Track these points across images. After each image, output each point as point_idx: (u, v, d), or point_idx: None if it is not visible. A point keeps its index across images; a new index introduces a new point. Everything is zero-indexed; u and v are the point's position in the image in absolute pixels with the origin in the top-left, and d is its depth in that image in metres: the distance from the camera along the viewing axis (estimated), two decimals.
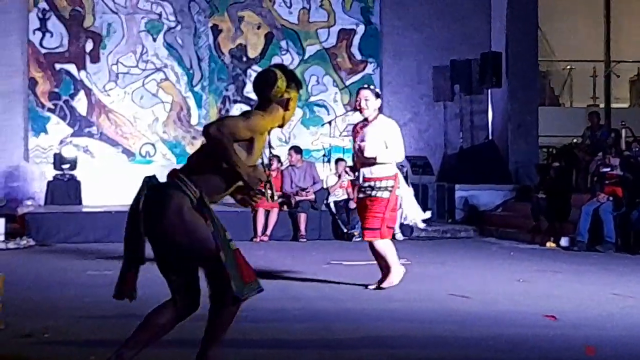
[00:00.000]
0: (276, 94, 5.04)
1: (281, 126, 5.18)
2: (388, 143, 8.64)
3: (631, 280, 9.69)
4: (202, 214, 4.77)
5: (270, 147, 5.31)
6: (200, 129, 18.23)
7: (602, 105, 22.05)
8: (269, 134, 5.11)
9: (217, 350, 4.94)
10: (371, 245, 8.76)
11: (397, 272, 8.81)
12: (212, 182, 4.88)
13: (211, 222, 4.76)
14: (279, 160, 15.84)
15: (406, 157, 17.77)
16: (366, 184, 8.69)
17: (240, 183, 4.91)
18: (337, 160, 16.03)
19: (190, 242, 4.75)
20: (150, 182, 4.96)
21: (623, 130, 16.15)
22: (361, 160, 8.75)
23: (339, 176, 15.59)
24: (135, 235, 4.95)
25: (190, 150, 18.23)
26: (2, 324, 6.59)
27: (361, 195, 8.81)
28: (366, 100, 8.82)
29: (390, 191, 8.62)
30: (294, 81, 5.16)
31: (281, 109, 5.08)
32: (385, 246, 8.76)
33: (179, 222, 4.75)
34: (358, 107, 8.89)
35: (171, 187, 4.88)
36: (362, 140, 8.73)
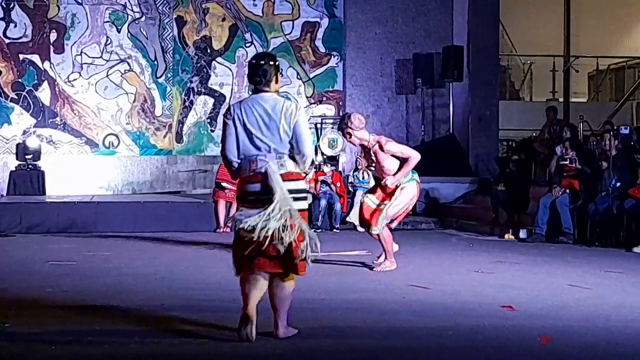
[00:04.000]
0: None
1: None
2: None
3: (587, 272, 9.81)
4: None
5: None
6: (164, 120, 18.39)
7: (561, 100, 22.27)
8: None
9: None
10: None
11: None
12: None
13: None
14: None
15: None
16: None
17: None
18: None
19: None
20: None
21: (581, 124, 16.32)
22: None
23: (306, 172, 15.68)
24: None
25: (154, 141, 18.26)
26: None
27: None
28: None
29: None
30: None
31: None
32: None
33: None
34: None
35: None
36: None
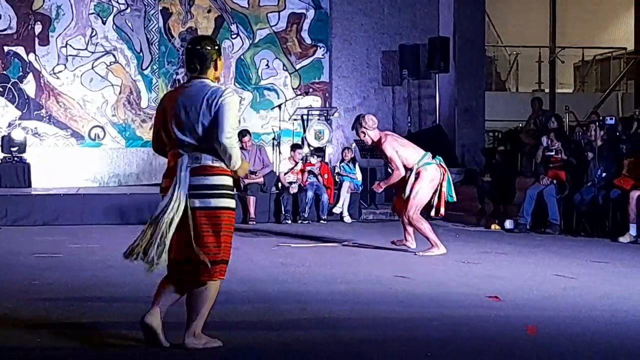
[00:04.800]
0: None
1: None
2: None
3: (573, 262, 9.85)
4: None
5: None
6: (150, 112, 18.33)
7: (547, 90, 22.31)
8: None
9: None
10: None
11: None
12: None
13: None
14: None
15: (355, 140, 17.99)
16: None
17: None
18: (295, 146, 16.05)
19: None
20: None
21: (567, 115, 16.34)
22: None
23: (296, 162, 15.66)
24: None
25: (140, 133, 18.21)
26: None
27: None
28: None
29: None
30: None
31: None
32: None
33: None
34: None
35: None
36: None
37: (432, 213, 10.65)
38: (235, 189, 5.58)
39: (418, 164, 10.39)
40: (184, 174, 5.38)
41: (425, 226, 10.47)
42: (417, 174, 10.37)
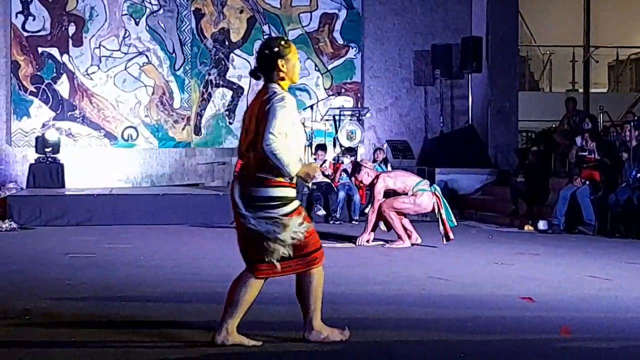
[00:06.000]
0: None
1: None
2: None
3: (607, 263, 9.78)
4: None
5: None
6: (183, 112, 18.42)
7: (581, 90, 22.19)
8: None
9: None
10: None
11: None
12: None
13: None
14: None
15: (387, 140, 17.91)
16: None
17: None
18: (319, 147, 16.07)
19: None
20: None
21: (601, 115, 16.23)
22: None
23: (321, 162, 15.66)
24: None
25: (172, 134, 18.29)
26: None
27: None
28: None
29: None
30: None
31: None
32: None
33: None
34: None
35: None
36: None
37: (444, 241, 11.08)
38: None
39: (413, 189, 11.27)
40: (234, 183, 5.45)
41: (396, 220, 11.30)
42: (413, 195, 11.25)
